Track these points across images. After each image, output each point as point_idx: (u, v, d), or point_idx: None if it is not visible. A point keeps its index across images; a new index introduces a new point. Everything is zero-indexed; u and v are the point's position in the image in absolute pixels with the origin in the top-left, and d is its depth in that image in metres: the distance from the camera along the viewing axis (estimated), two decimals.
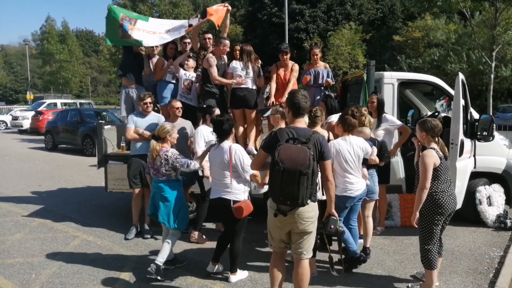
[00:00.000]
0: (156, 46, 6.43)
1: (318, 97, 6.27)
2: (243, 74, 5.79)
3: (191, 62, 6.13)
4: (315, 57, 6.41)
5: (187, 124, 5.59)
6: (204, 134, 4.99)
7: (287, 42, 17.71)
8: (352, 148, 4.22)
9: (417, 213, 3.78)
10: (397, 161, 5.82)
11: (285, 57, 6.02)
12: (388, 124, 5.44)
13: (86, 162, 12.10)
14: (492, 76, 13.59)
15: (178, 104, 5.49)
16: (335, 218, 3.30)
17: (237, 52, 6.31)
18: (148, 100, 5.54)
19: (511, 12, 14.47)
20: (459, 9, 13.87)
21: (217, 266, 4.35)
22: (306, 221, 3.16)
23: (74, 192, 8.34)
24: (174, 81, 6.20)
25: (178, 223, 4.36)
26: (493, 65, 13.49)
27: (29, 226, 6.02)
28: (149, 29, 6.16)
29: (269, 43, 30.29)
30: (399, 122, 5.57)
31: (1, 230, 5.84)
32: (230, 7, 6.33)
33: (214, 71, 5.72)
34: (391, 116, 5.58)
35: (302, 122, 3.24)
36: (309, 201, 3.10)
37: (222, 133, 4.09)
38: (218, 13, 6.18)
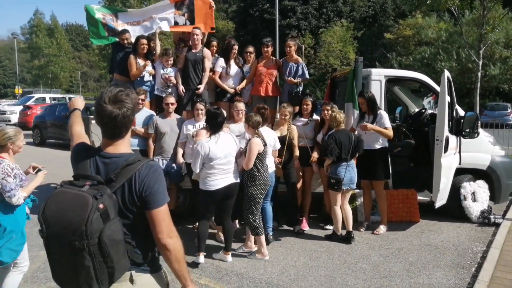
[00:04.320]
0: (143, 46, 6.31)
1: (288, 92, 6.16)
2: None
3: (170, 58, 6.09)
4: (288, 49, 6.10)
5: (180, 120, 5.60)
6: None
7: (278, 38, 17.66)
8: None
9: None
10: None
11: (265, 49, 6.12)
12: (380, 121, 5.40)
13: None
14: (480, 74, 13.73)
15: (170, 100, 5.48)
16: None
17: (214, 48, 6.44)
18: (141, 96, 5.54)
19: (501, 11, 14.64)
20: (448, 8, 13.97)
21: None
22: None
23: None
24: (150, 79, 6.22)
25: (2, 253, 3.20)
26: (480, 63, 13.64)
27: None
28: (132, 20, 6.20)
29: (260, 39, 30.25)
30: (387, 124, 5.41)
31: None
32: (213, 4, 6.44)
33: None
34: (385, 114, 5.50)
35: (122, 145, 1.83)
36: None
37: (219, 126, 4.39)
38: (206, 19, 6.17)
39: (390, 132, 5.45)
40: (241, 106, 5.44)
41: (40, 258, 4.61)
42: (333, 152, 4.99)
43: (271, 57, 6.24)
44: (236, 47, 6.23)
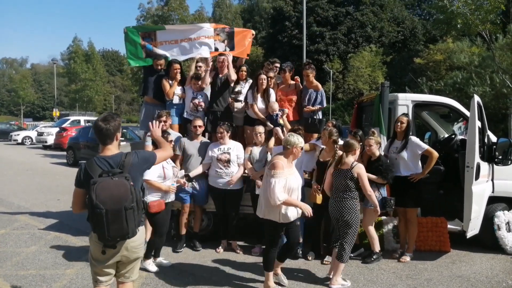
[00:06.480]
0: (176, 70, 6.35)
1: (305, 120, 6.24)
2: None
3: (199, 82, 6.24)
4: (306, 78, 6.17)
5: (205, 144, 5.68)
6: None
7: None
8: None
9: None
10: None
11: (282, 74, 6.23)
12: (413, 147, 5.31)
13: None
14: None
15: (198, 122, 5.58)
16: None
17: (244, 73, 6.34)
18: (163, 118, 5.62)
19: None
20: (478, 32, 13.73)
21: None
22: (136, 250, 3.00)
23: None
24: (180, 102, 6.35)
25: None
26: None
27: (44, 239, 6.13)
28: (170, 38, 6.35)
29: None
30: (425, 146, 5.36)
31: (17, 242, 5.97)
32: (253, 32, 6.57)
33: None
34: (416, 139, 5.42)
35: (112, 149, 2.94)
36: (137, 228, 2.89)
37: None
38: (245, 44, 6.23)
39: (434, 153, 5.26)
40: (260, 129, 5.48)
41: (66, 277, 4.70)
42: (392, 175, 5.19)
43: (291, 81, 6.28)
44: (262, 77, 5.96)
